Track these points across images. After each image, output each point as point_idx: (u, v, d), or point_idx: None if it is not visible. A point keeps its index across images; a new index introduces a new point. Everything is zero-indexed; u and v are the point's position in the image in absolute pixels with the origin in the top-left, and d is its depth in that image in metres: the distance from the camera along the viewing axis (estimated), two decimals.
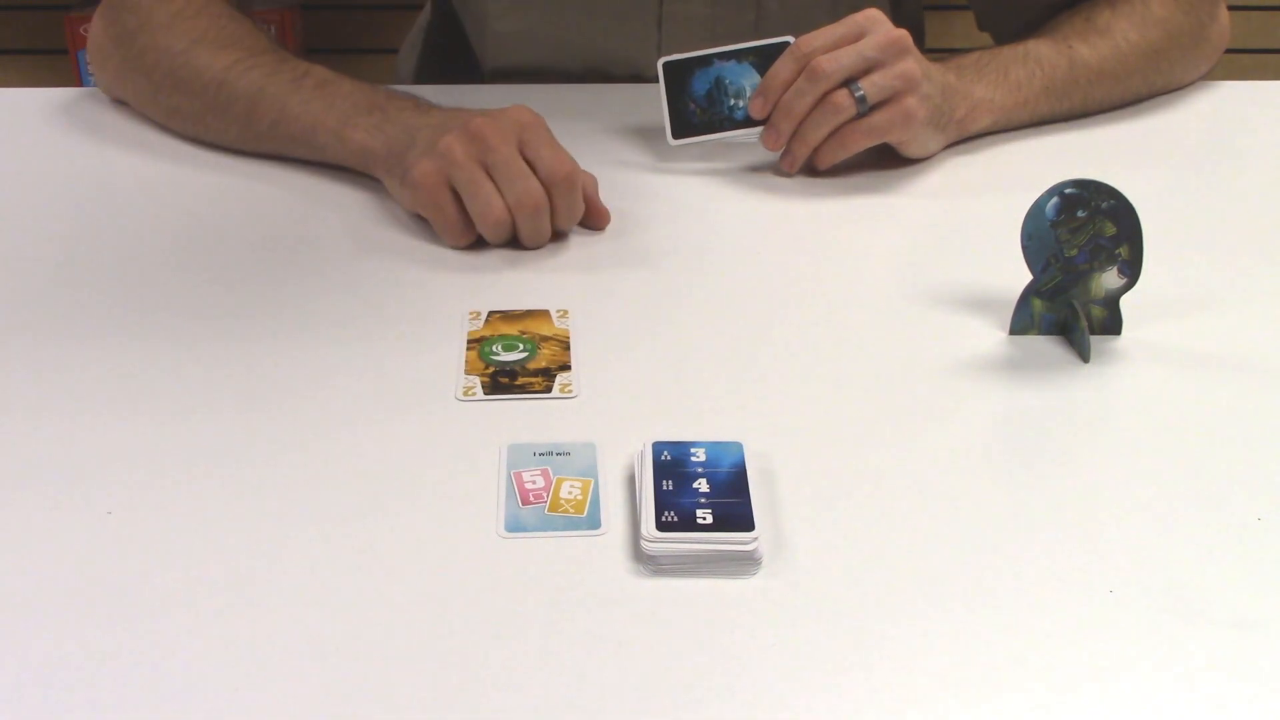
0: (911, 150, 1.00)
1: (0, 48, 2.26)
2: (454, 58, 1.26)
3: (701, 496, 0.65)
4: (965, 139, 1.05)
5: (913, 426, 0.73)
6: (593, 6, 1.15)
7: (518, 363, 0.75)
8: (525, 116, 0.89)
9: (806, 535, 0.65)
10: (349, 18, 2.25)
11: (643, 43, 1.15)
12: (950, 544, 0.64)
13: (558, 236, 0.92)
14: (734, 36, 1.02)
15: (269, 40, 1.03)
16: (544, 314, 0.83)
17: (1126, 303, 0.80)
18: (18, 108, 1.11)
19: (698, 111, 1.00)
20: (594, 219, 0.93)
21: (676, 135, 1.00)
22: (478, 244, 0.91)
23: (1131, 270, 0.78)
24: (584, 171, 0.91)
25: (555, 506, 0.66)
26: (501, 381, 0.76)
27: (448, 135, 0.88)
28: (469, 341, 0.80)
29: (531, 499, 0.67)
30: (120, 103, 1.10)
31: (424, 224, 0.92)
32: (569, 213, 0.90)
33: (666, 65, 1.00)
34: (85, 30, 1.67)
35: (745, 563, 0.62)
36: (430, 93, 1.00)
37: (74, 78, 2.17)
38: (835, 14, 0.99)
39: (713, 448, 0.69)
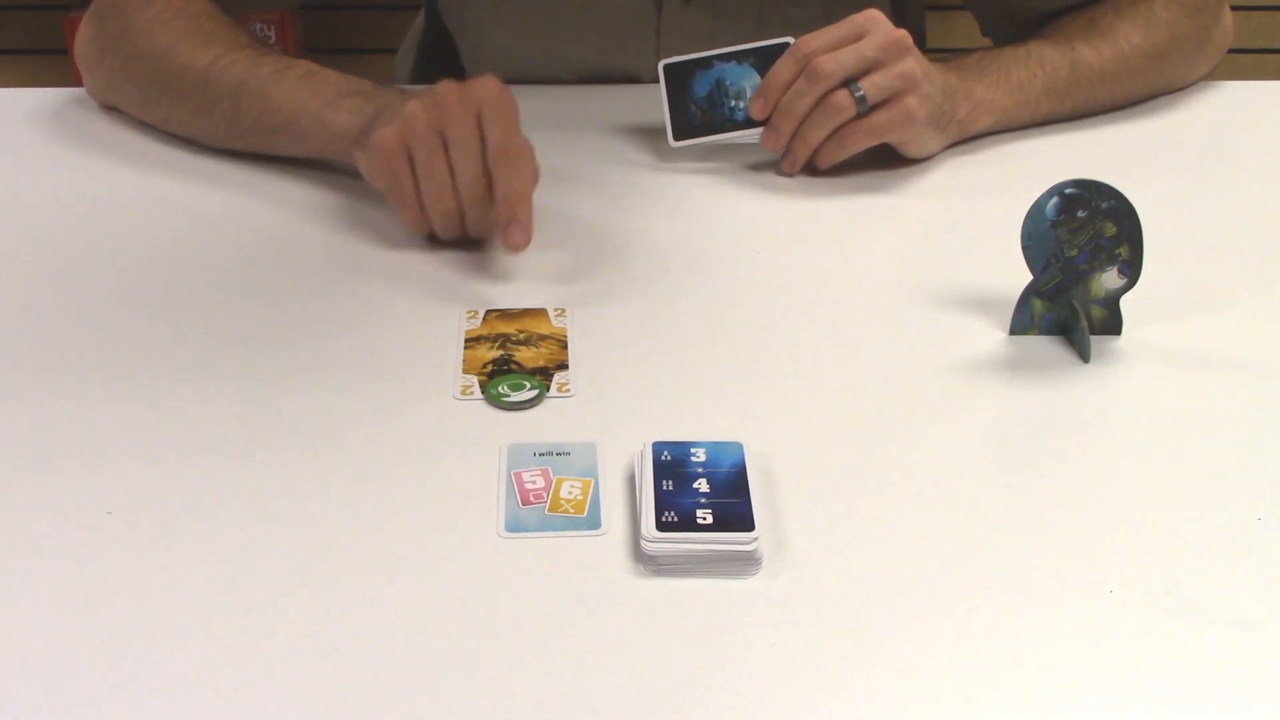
0: (912, 150, 1.00)
1: (0, 48, 2.26)
2: (448, 69, 1.25)
3: (701, 496, 0.65)
4: (966, 139, 1.05)
5: (913, 426, 0.73)
6: (589, 18, 1.14)
7: (526, 401, 0.74)
8: (492, 90, 0.86)
9: (806, 535, 0.64)
10: (348, 18, 2.25)
11: (640, 54, 1.14)
12: (950, 544, 0.64)
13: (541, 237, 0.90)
14: None
15: (250, 36, 1.02)
16: (541, 312, 0.83)
17: (1126, 303, 0.80)
18: (17, 108, 1.11)
19: (699, 113, 1.00)
20: (507, 230, 0.85)
21: (678, 137, 1.00)
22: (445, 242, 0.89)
23: (1131, 270, 0.78)
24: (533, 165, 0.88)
25: (555, 506, 0.66)
26: None
27: (413, 100, 0.87)
28: (466, 340, 0.80)
29: (531, 499, 0.67)
30: (109, 108, 1.09)
31: None
32: (507, 184, 0.84)
33: (667, 67, 1.00)
34: None
35: (745, 563, 0.62)
36: None
37: (74, 78, 2.16)
38: (836, 21, 0.99)
39: (713, 448, 0.69)
